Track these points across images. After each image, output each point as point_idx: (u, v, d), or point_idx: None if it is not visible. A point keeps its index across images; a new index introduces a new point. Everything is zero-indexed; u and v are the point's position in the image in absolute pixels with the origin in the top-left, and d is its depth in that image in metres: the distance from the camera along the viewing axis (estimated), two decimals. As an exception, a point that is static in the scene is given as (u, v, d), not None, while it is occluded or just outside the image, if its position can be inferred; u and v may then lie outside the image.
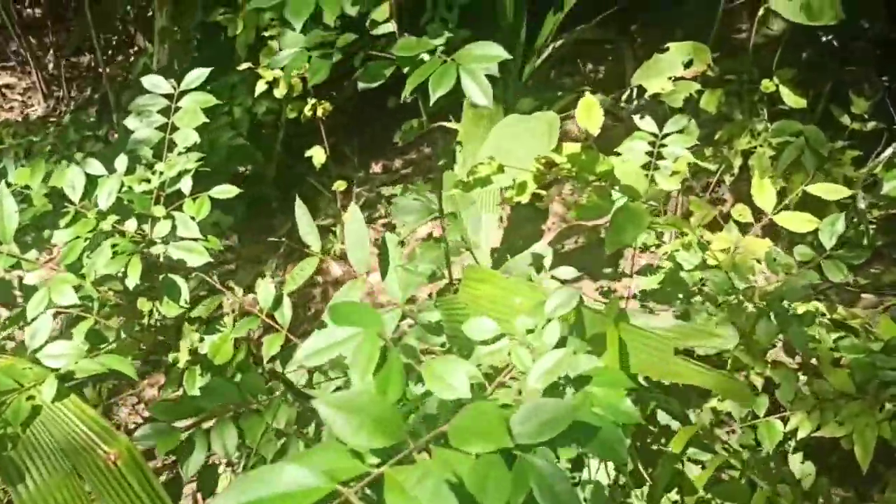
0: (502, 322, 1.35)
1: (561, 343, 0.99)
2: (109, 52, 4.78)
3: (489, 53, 1.02)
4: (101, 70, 4.11)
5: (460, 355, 1.48)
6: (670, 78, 2.44)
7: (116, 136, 3.89)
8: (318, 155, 2.98)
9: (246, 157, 3.25)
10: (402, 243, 1.77)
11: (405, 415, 0.99)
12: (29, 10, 4.96)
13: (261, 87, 2.80)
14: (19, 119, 4.53)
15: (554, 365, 0.86)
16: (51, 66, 4.63)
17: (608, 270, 3.03)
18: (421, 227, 3.30)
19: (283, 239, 3.40)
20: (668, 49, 2.48)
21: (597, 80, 4.14)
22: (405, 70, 1.11)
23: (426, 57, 1.15)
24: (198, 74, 1.86)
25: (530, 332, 1.07)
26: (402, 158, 3.77)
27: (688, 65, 2.44)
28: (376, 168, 3.76)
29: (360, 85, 1.19)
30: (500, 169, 1.67)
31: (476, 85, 1.01)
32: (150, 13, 3.58)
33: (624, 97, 3.94)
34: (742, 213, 2.23)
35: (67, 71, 4.66)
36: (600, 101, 4.16)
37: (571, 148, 1.71)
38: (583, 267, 3.32)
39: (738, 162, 2.83)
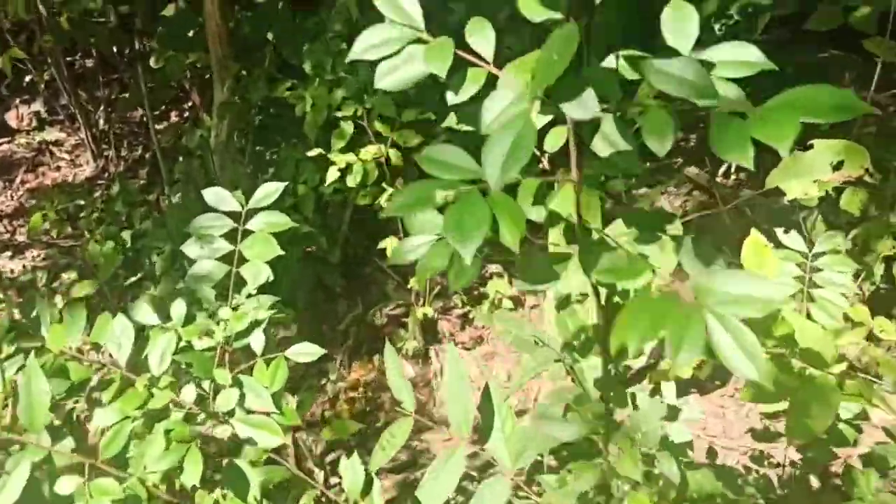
0: None
1: None
2: (162, 106, 4.55)
3: (751, 294, 0.66)
4: (151, 130, 3.86)
5: None
6: (815, 181, 2.06)
7: (166, 204, 3.62)
8: (392, 246, 2.66)
9: (309, 243, 2.93)
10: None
11: None
12: (80, 61, 4.75)
13: (332, 174, 2.49)
14: (68, 179, 4.30)
15: None
16: (101, 121, 4.40)
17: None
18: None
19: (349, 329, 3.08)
20: (811, 146, 2.10)
21: (687, 149, 3.76)
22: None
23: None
24: (272, 189, 1.55)
25: None
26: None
27: (837, 166, 2.06)
28: (449, 247, 3.42)
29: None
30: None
31: (741, 349, 0.64)
32: (208, 76, 3.31)
33: (721, 171, 3.57)
34: (884, 328, 1.87)
35: (118, 126, 4.43)
36: (695, 176, 3.77)
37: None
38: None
39: (879, 269, 2.43)
